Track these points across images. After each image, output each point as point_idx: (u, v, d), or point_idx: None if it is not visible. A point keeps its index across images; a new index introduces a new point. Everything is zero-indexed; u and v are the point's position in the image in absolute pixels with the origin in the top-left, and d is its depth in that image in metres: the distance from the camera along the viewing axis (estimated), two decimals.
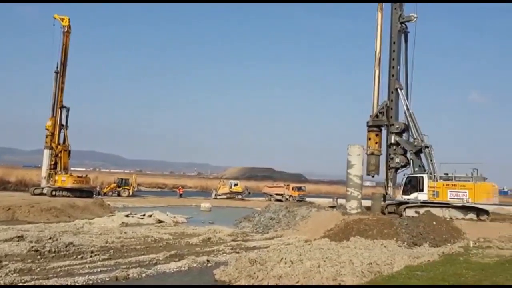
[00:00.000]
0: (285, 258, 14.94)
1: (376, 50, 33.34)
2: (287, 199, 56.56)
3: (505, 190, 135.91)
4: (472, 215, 27.78)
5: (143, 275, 14.03)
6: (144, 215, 31.32)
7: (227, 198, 59.37)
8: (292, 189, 59.99)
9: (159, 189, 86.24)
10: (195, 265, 15.94)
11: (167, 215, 31.87)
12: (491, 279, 13.29)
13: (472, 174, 28.04)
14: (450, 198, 27.60)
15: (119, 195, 55.61)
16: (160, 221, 29.97)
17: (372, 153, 31.84)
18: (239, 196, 60.43)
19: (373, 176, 32.67)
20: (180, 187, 65.81)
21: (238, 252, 18.44)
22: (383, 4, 33.20)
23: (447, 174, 29.19)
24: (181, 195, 59.13)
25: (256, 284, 12.94)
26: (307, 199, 55.09)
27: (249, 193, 63.52)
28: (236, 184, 63.40)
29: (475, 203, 27.18)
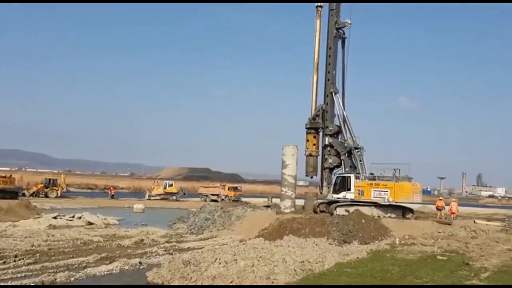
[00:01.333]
0: (219, 259, 14.93)
1: (315, 57, 34.37)
2: (222, 199, 56.49)
3: (428, 189, 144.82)
4: (398, 214, 29.36)
5: (72, 279, 13.44)
6: (73, 217, 29.98)
7: (161, 199, 58.24)
8: (228, 189, 59.98)
9: (89, 190, 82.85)
10: (127, 267, 15.49)
11: (98, 216, 30.72)
12: (414, 274, 14.10)
13: (394, 174, 29.61)
14: (373, 197, 29.05)
15: (46, 196, 52.79)
16: (90, 223, 28.84)
17: (310, 154, 32.86)
18: (174, 197, 59.49)
19: (311, 177, 33.60)
20: (111, 188, 63.65)
21: (171, 254, 18.17)
22: (322, 11, 34.31)
23: (372, 174, 30.70)
24: (112, 196, 57.23)
25: (190, 284, 12.82)
26: (243, 199, 55.38)
27: (184, 193, 62.75)
28: (171, 185, 62.32)
29: (395, 202, 28.75)
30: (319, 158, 33.25)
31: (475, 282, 13.33)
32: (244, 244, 19.94)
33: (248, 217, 27.98)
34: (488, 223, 32.88)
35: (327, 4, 34.09)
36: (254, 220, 27.22)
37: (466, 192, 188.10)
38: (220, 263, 14.41)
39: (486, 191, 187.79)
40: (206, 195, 59.72)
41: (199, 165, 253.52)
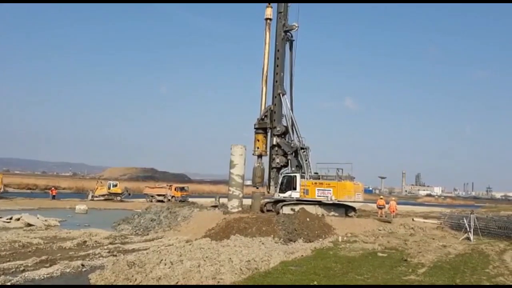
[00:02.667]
0: (165, 259, 14.83)
1: (264, 68, 34.67)
2: (169, 199, 55.73)
3: (370, 188, 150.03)
4: (341, 212, 30.29)
5: (8, 283, 12.87)
6: (11, 218, 28.60)
7: (105, 199, 56.62)
8: (175, 189, 59.24)
9: (29, 190, 78.96)
10: (68, 270, 15.01)
11: (38, 218, 29.50)
12: (356, 270, 14.61)
13: (337, 173, 30.56)
14: (317, 196, 29.88)
15: None
16: (29, 225, 27.64)
17: (260, 154, 33.13)
18: (118, 198, 58.03)
19: (257, 188, 33.82)
20: (53, 188, 61.06)
21: (115, 255, 17.77)
22: (271, 24, 34.72)
23: (317, 173, 31.52)
24: (53, 197, 54.96)
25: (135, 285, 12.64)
26: (190, 199, 54.93)
27: (129, 194, 61.35)
28: (115, 185, 60.71)
29: (338, 200, 29.69)
30: (265, 158, 33.72)
31: (412, 277, 13.99)
32: (190, 244, 19.86)
33: (195, 217, 27.87)
34: (425, 221, 34.56)
35: (276, 4, 34.56)
36: (200, 221, 27.15)
37: (406, 191, 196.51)
38: (165, 264, 14.31)
39: (424, 190, 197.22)
40: (152, 196, 58.69)
41: (145, 165, 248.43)
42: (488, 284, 13.50)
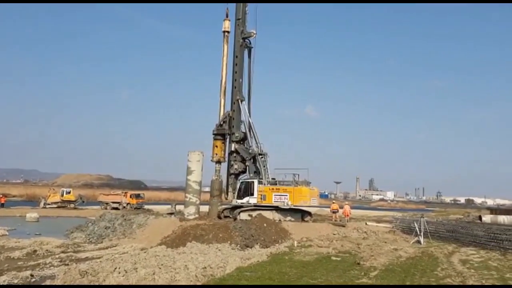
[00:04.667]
0: (119, 268, 14.57)
1: (222, 80, 34.69)
2: (124, 207, 54.58)
3: (326, 193, 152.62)
4: (297, 217, 30.70)
5: None
6: None
7: (58, 207, 54.81)
8: (130, 196, 58.06)
9: None
10: (16, 281, 14.47)
11: None
12: (310, 275, 14.86)
13: (293, 179, 30.98)
14: (274, 201, 30.17)
15: None
16: None
17: (218, 160, 33.05)
18: (72, 205, 56.35)
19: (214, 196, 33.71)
20: (2, 195, 58.50)
21: (67, 264, 17.27)
22: (229, 36, 34.89)
23: (274, 179, 31.79)
24: (2, 205, 52.74)
25: None
26: (146, 207, 54.02)
27: (83, 201, 59.64)
28: (68, 192, 58.92)
29: (294, 205, 30.09)
30: (224, 164, 33.71)
31: (364, 280, 14.35)
32: (145, 252, 19.58)
33: (150, 224, 27.48)
34: (378, 224, 35.51)
35: (234, 15, 34.78)
36: (156, 228, 26.79)
37: (360, 195, 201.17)
38: (119, 272, 14.07)
39: (377, 194, 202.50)
40: (107, 203, 57.27)
41: (100, 172, 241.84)
42: (436, 285, 14.02)
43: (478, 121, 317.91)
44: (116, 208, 52.77)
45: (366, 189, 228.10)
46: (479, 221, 50.05)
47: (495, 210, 77.25)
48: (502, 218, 53.15)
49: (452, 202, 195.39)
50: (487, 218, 53.89)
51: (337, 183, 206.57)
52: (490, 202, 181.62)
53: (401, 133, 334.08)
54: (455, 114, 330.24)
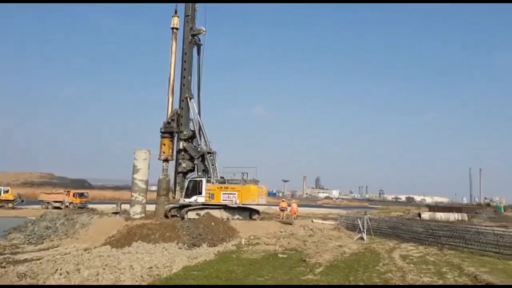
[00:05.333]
0: (60, 269, 14.08)
1: (170, 78, 34.15)
2: (67, 206, 52.61)
3: (274, 191, 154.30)
4: (245, 215, 30.83)
5: None
6: None
7: None
8: (73, 195, 56.05)
9: None
10: None
11: None
12: (257, 272, 14.98)
13: (242, 177, 31.10)
14: (223, 200, 30.16)
15: None
16: None
17: (166, 159, 32.53)
18: (10, 205, 53.66)
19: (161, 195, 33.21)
20: None
21: (4, 267, 16.42)
22: (178, 33, 34.41)
23: (223, 177, 31.74)
24: None
25: None
26: (90, 206, 52.38)
27: (22, 200, 56.89)
28: (6, 191, 56.05)
29: (242, 204, 30.22)
30: (173, 162, 33.27)
31: (310, 277, 14.65)
32: (88, 252, 18.99)
33: (94, 224, 26.64)
34: (323, 222, 36.34)
35: (183, 10, 34.39)
36: (100, 227, 26.02)
37: (307, 194, 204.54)
38: (61, 274, 13.59)
39: (323, 193, 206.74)
40: (48, 202, 54.95)
41: (41, 170, 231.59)
42: (377, 280, 14.52)
43: (419, 123, 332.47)
44: (58, 208, 50.77)
45: (313, 187, 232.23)
46: (418, 218, 52.46)
47: (434, 208, 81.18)
48: (440, 215, 55.99)
49: (394, 199, 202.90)
50: (426, 215, 56.61)
51: (285, 181, 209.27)
52: (429, 200, 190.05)
53: (346, 133, 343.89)
54: (397, 116, 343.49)
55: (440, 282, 14.33)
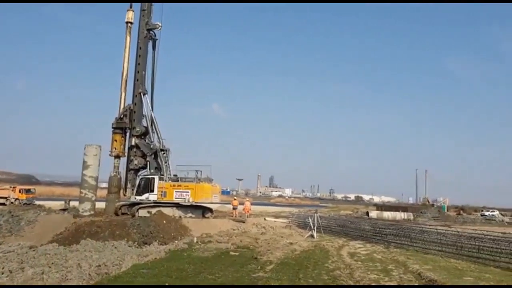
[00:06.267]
0: (3, 268, 13.53)
1: (124, 73, 33.40)
2: (12, 202, 50.43)
3: (228, 190, 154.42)
4: (198, 213, 30.74)
5: None
6: None
7: None
8: (19, 191, 53.78)
9: None
10: None
11: None
12: (208, 270, 15.00)
13: (196, 175, 30.98)
14: (175, 198, 29.95)
15: None
16: None
17: (118, 155, 31.86)
18: None
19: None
20: None
21: None
22: (132, 28, 33.74)
23: (176, 175, 31.49)
24: None
25: None
26: (37, 202, 50.45)
27: None
28: None
29: (195, 202, 30.13)
30: (125, 159, 32.63)
31: (261, 274, 14.81)
32: (34, 250, 18.31)
33: (41, 221, 25.73)
34: (276, 220, 36.87)
35: (139, 5, 33.79)
36: (47, 225, 25.18)
37: (260, 192, 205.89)
38: (3, 273, 13.07)
39: (276, 191, 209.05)
40: None
41: None
42: (326, 277, 14.89)
43: (370, 125, 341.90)
44: (3, 204, 48.55)
45: (266, 186, 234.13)
46: (366, 216, 54.20)
47: (381, 207, 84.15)
48: (387, 214, 58.07)
49: (344, 198, 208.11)
50: (373, 214, 58.59)
51: (239, 180, 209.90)
52: (376, 199, 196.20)
53: (300, 133, 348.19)
54: (348, 117, 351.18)
55: (386, 279, 14.82)
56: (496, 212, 75.36)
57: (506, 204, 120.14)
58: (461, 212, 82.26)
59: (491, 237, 21.04)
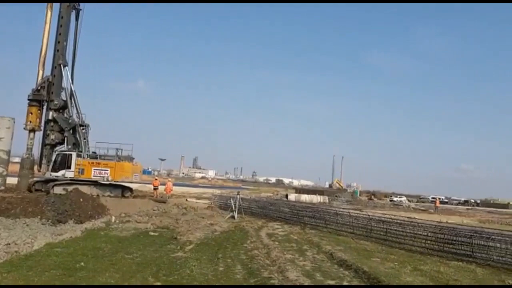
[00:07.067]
0: None
1: (42, 50, 31.33)
2: None
3: (149, 169, 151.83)
4: (117, 192, 30.07)
5: None
6: None
7: None
8: None
9: None
10: None
11: None
12: (125, 249, 14.86)
13: (116, 153, 30.25)
14: (93, 176, 29.13)
15: None
16: None
17: (33, 129, 30.19)
18: None
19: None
20: None
21: None
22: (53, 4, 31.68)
23: (95, 153, 30.54)
24: None
25: None
26: None
27: None
28: None
29: (115, 181, 29.50)
30: (40, 133, 30.99)
31: (180, 254, 14.93)
32: None
33: None
34: (197, 201, 37.03)
35: None
36: None
37: (183, 173, 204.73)
38: None
39: (199, 172, 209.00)
40: None
41: None
42: (244, 257, 15.33)
43: (291, 111, 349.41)
44: None
45: (189, 167, 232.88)
46: (285, 199, 56.00)
47: (300, 190, 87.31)
48: (304, 197, 60.50)
49: (265, 181, 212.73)
50: (292, 196, 60.76)
51: (162, 160, 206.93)
52: (296, 183, 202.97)
53: (224, 114, 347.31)
54: (269, 101, 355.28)
55: (301, 259, 15.51)
56: (404, 198, 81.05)
57: (412, 190, 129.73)
58: (372, 197, 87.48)
59: (398, 221, 22.51)
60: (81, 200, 24.31)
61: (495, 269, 15.50)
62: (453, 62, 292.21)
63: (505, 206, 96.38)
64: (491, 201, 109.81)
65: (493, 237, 17.50)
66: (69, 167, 29.21)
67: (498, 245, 16.80)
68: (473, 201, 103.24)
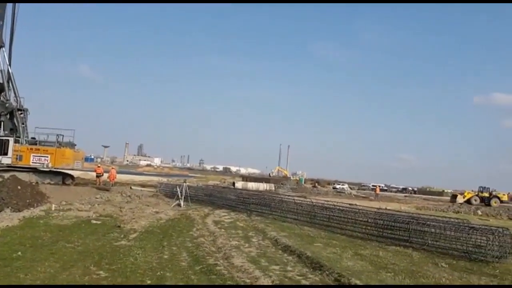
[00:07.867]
0: None
1: None
2: None
3: (92, 156, 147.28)
4: (58, 180, 29.03)
5: None
6: None
7: None
8: None
9: None
10: None
11: None
12: (66, 238, 14.42)
13: (57, 139, 29.17)
14: (32, 162, 28.05)
15: None
16: None
17: None
18: None
19: None
20: None
21: None
22: None
23: (34, 138, 29.35)
24: None
25: None
26: None
27: None
28: None
29: (55, 168, 28.50)
30: None
31: (123, 243, 14.67)
32: None
33: None
34: (142, 189, 36.41)
35: None
36: None
37: (128, 161, 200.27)
38: None
39: (145, 160, 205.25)
40: None
41: None
42: (190, 245, 15.29)
43: (240, 100, 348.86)
44: None
45: (134, 155, 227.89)
46: (232, 186, 56.24)
47: (246, 178, 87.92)
48: (251, 185, 61.05)
49: (212, 169, 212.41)
50: (239, 184, 61.12)
51: (105, 147, 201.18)
52: (243, 171, 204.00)
53: (170, 101, 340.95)
54: (219, 90, 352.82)
55: (246, 245, 15.69)
56: (346, 186, 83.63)
57: (354, 179, 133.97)
58: (316, 184, 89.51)
59: (340, 207, 23.21)
60: (19, 187, 23.30)
61: (429, 253, 16.38)
62: (390, 51, 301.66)
63: (440, 193, 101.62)
64: (427, 189, 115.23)
65: (428, 222, 18.46)
66: (6, 153, 27.84)
67: (433, 230, 17.75)
68: (410, 189, 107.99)
